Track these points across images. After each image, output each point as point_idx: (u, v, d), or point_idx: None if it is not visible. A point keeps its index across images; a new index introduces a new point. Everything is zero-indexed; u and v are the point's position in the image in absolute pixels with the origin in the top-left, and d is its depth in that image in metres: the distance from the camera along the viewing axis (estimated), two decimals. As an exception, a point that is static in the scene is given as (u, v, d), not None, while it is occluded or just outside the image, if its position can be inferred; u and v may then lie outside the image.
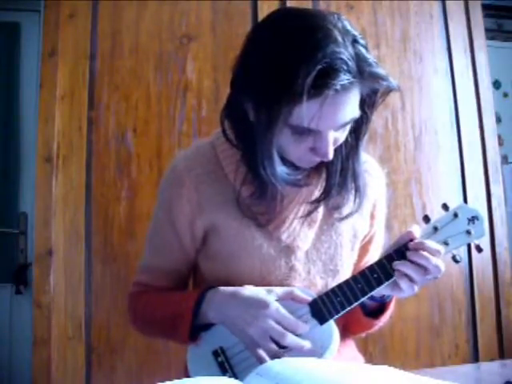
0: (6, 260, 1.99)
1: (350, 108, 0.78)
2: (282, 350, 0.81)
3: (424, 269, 0.81)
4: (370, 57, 0.77)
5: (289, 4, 1.79)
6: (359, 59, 0.75)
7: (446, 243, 0.84)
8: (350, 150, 0.89)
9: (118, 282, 1.57)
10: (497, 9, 2.58)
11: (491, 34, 2.49)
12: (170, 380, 0.62)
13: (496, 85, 2.61)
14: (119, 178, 1.62)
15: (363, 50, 0.77)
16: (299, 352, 0.81)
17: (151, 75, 1.68)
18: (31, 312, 1.54)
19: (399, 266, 0.82)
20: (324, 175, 0.92)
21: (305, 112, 0.74)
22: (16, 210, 2.01)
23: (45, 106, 1.60)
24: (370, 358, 1.65)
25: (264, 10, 1.72)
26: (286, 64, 0.74)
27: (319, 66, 0.71)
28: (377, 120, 1.82)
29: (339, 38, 0.74)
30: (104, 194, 1.61)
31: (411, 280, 0.82)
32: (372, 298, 0.89)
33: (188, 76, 1.70)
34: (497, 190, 1.90)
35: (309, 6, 1.79)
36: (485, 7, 2.06)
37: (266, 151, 0.81)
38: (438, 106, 1.91)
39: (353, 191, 0.92)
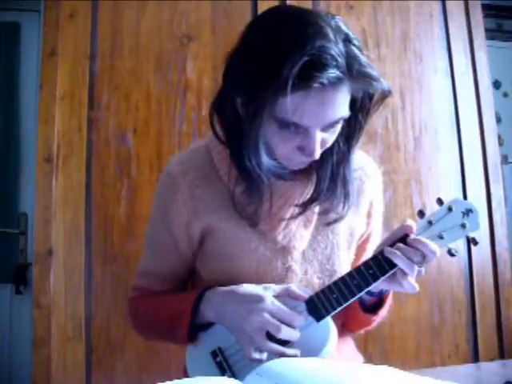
0: (6, 260, 1.99)
1: (338, 106, 0.77)
2: (278, 345, 0.81)
3: (421, 253, 0.81)
4: (362, 57, 0.77)
5: (289, 4, 1.79)
6: (349, 57, 0.75)
7: (440, 237, 0.83)
8: (341, 156, 0.89)
9: (118, 282, 1.57)
10: (497, 9, 2.58)
11: (491, 34, 2.49)
12: (170, 380, 0.62)
13: (496, 85, 2.61)
14: (119, 178, 1.62)
15: (355, 50, 0.76)
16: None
17: (151, 75, 1.68)
18: (31, 312, 1.54)
19: (392, 254, 0.81)
20: (314, 179, 0.92)
21: (289, 104, 0.73)
22: (16, 210, 2.01)
23: (45, 106, 1.60)
24: (370, 358, 1.65)
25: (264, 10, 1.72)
26: (274, 55, 0.73)
27: (306, 58, 0.71)
28: (377, 120, 1.82)
29: (330, 35, 0.74)
30: (104, 194, 1.61)
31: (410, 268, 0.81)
32: (370, 292, 0.89)
33: (188, 76, 1.70)
34: (497, 190, 1.90)
35: (309, 5, 1.79)
36: (485, 7, 2.05)
37: (251, 142, 0.80)
38: (438, 106, 1.91)
39: (342, 198, 0.91)
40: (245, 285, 0.87)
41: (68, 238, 1.56)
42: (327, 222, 0.94)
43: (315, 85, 0.72)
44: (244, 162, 0.83)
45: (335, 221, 0.94)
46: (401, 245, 0.82)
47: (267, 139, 0.81)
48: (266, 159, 0.83)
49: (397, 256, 0.80)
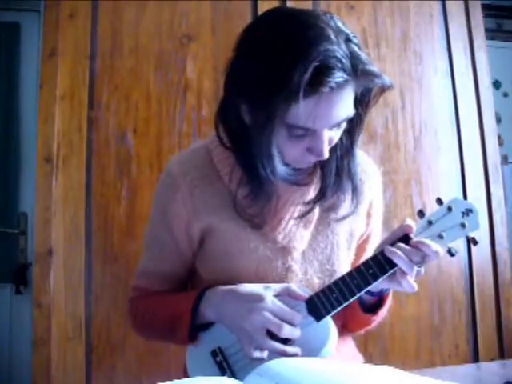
0: (6, 260, 1.99)
1: (345, 106, 0.78)
2: (279, 343, 0.81)
3: (422, 254, 0.80)
4: (363, 55, 0.77)
5: (289, 4, 1.79)
6: (353, 57, 0.75)
7: (440, 237, 0.83)
8: (345, 150, 0.89)
9: (118, 282, 1.57)
10: (497, 9, 2.58)
11: (491, 34, 2.49)
12: (170, 380, 0.62)
13: (496, 85, 2.61)
14: (119, 178, 1.62)
15: (356, 48, 0.77)
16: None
17: (151, 75, 1.68)
18: (31, 312, 1.54)
19: (392, 253, 0.81)
20: (319, 176, 0.92)
21: (301, 110, 0.74)
22: (16, 210, 2.01)
23: (45, 106, 1.60)
24: (370, 359, 1.65)
25: (264, 10, 1.71)
26: (280, 62, 0.74)
27: (314, 64, 0.71)
28: (377, 120, 1.82)
29: (332, 37, 0.74)
30: (104, 194, 1.61)
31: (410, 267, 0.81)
32: (370, 292, 0.89)
33: (188, 76, 1.70)
34: (497, 190, 1.90)
35: (309, 5, 1.79)
36: (485, 7, 2.05)
37: (265, 150, 0.80)
38: (438, 106, 1.91)
39: (349, 191, 0.92)
40: (245, 284, 0.87)
41: (68, 237, 1.56)
42: (336, 219, 0.94)
43: (325, 90, 0.73)
44: (258, 170, 0.83)
45: (344, 216, 0.94)
46: (401, 244, 0.82)
47: (277, 145, 0.81)
48: (280, 167, 0.83)
49: (397, 255, 0.81)
